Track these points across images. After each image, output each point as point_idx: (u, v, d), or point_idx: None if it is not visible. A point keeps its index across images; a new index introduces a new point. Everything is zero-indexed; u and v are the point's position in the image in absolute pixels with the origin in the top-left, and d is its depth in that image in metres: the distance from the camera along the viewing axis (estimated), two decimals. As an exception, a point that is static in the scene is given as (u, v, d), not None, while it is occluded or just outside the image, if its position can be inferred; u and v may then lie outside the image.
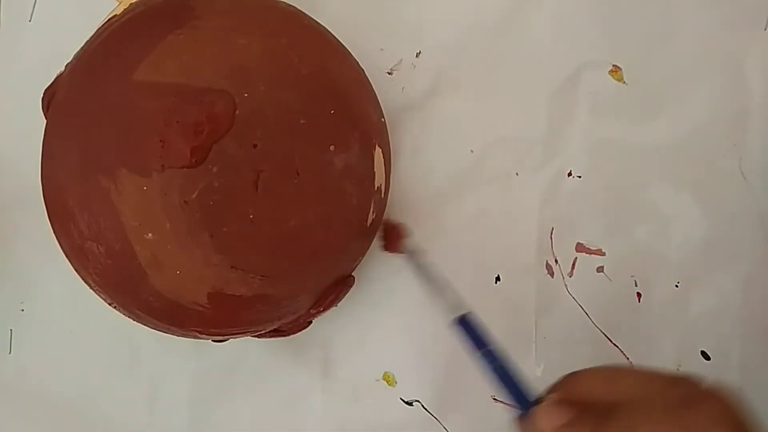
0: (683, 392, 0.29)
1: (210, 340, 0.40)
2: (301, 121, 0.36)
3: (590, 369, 0.31)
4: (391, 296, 0.45)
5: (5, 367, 0.47)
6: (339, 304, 0.41)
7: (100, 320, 0.46)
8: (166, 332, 0.39)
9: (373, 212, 0.40)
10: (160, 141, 0.34)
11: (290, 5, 0.40)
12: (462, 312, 0.36)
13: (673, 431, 0.27)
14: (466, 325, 0.35)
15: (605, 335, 0.43)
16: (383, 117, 0.42)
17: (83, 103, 0.36)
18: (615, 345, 0.43)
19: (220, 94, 0.34)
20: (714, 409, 0.27)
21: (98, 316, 0.46)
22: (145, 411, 0.46)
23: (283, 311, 0.39)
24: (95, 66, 0.37)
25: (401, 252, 0.41)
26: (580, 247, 0.44)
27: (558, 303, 0.44)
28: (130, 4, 0.39)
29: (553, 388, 0.32)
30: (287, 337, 0.42)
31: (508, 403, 0.34)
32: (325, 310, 0.40)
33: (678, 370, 0.43)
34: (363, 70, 0.41)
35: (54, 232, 0.38)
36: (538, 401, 0.32)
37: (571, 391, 0.31)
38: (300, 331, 0.42)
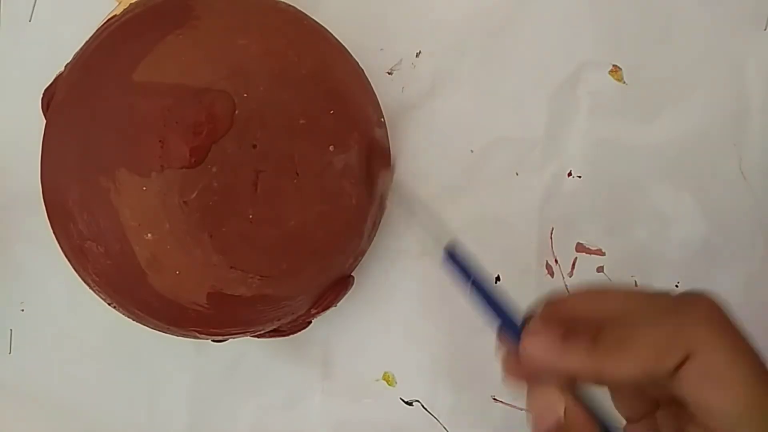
0: (671, 300, 0.28)
1: (210, 340, 0.41)
2: (301, 122, 0.36)
3: (574, 291, 0.31)
4: (391, 296, 0.45)
5: (5, 367, 0.47)
6: (339, 304, 0.41)
7: (100, 320, 0.46)
8: (165, 332, 0.39)
9: (372, 212, 0.40)
10: (160, 141, 0.34)
11: (290, 5, 0.40)
12: (448, 244, 0.34)
13: (669, 331, 0.27)
14: (454, 258, 0.34)
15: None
16: (383, 117, 0.42)
17: (82, 103, 0.36)
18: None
19: (219, 94, 0.34)
20: (704, 309, 0.27)
21: (98, 316, 0.46)
22: (145, 411, 0.46)
23: (282, 311, 0.39)
24: (94, 66, 0.37)
25: (384, 183, 0.40)
26: (580, 247, 0.44)
27: (558, 303, 0.44)
28: (130, 4, 0.39)
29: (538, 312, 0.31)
30: (287, 337, 0.42)
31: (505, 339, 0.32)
32: (324, 310, 0.40)
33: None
34: (363, 70, 0.41)
35: (53, 232, 0.38)
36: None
37: (557, 312, 0.30)
38: (299, 331, 0.42)
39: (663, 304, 0.28)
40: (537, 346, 0.28)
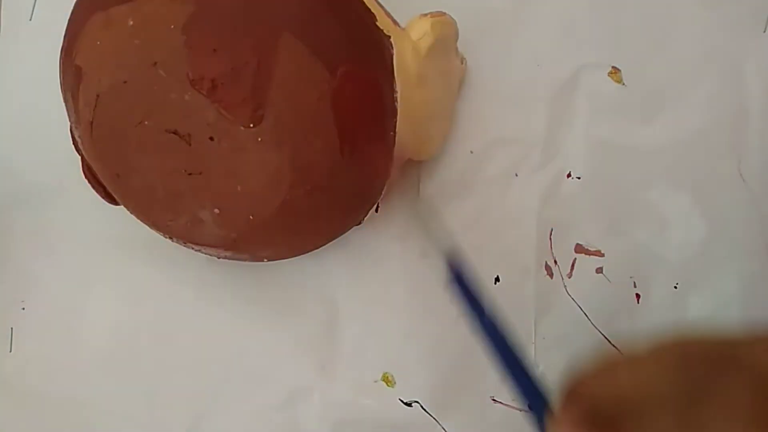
0: (690, 381, 0.24)
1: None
2: None
3: (589, 370, 0.27)
4: (390, 296, 0.45)
5: (6, 366, 0.47)
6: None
7: (100, 319, 0.47)
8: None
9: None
10: None
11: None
12: (454, 264, 0.32)
13: None
14: (460, 281, 0.32)
15: (604, 336, 0.43)
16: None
17: None
18: (614, 346, 0.43)
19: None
20: (729, 398, 0.22)
21: (99, 316, 0.47)
22: (144, 411, 0.46)
23: None
24: None
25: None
26: (579, 248, 0.44)
27: (557, 304, 0.44)
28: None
29: (562, 396, 0.28)
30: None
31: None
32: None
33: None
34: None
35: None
36: (544, 401, 0.30)
37: (579, 398, 0.27)
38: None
39: (681, 389, 0.24)
40: None
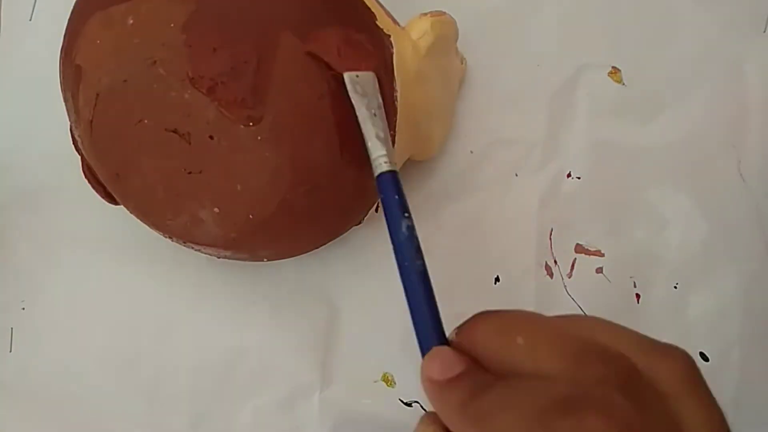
0: (573, 386, 0.23)
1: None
2: None
3: (487, 315, 0.27)
4: (390, 296, 0.45)
5: (6, 366, 0.47)
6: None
7: (100, 319, 0.46)
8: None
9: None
10: None
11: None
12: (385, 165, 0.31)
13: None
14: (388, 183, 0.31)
15: (604, 336, 0.43)
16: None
17: None
18: (614, 346, 0.43)
19: None
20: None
21: (98, 315, 0.47)
22: (144, 411, 0.46)
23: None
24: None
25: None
26: (579, 248, 0.44)
27: (557, 304, 0.44)
28: None
29: (458, 331, 0.28)
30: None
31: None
32: None
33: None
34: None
35: None
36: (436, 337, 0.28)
37: (470, 340, 0.27)
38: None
39: (557, 390, 0.23)
40: (424, 377, 0.26)
